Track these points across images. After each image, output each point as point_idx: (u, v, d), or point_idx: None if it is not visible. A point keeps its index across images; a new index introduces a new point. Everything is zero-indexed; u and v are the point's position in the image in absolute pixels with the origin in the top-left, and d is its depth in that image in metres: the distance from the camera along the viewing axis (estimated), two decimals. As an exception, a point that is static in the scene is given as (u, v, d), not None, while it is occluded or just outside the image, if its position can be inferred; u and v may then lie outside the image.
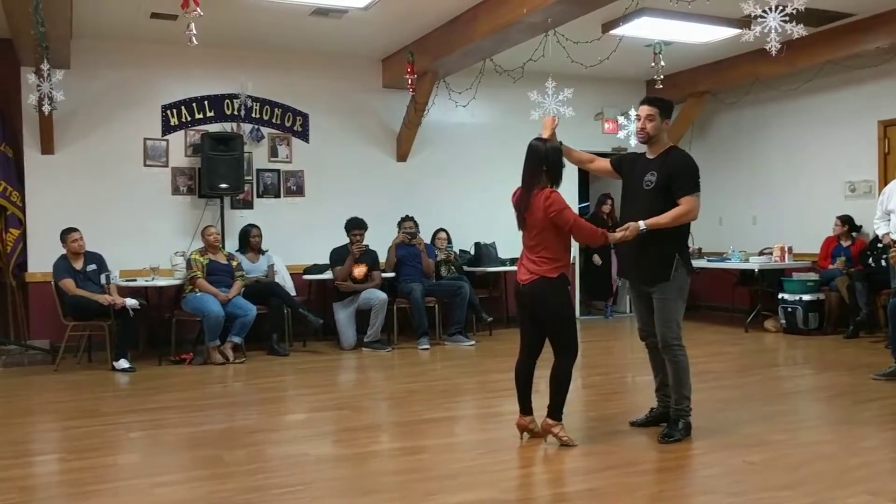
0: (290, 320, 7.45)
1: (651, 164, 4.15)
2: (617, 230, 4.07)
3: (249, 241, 7.50)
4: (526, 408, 4.12)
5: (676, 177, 4.03)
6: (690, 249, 4.44)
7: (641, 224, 3.98)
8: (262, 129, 8.06)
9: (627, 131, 7.93)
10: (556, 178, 4.02)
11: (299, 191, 8.27)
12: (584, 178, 10.11)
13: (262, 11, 6.63)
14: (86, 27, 6.93)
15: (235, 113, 7.95)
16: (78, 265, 6.61)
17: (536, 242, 3.99)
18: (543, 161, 3.98)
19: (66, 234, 6.62)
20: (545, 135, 4.14)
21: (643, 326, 4.31)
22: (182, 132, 7.80)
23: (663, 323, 4.09)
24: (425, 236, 8.08)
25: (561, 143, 4.20)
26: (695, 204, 4.01)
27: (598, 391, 5.51)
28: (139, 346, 7.04)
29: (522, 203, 4.01)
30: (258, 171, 8.08)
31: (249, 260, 7.44)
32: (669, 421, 4.15)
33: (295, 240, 8.06)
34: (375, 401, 5.55)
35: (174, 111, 7.76)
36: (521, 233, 4.09)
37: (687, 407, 4.12)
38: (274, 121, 8.14)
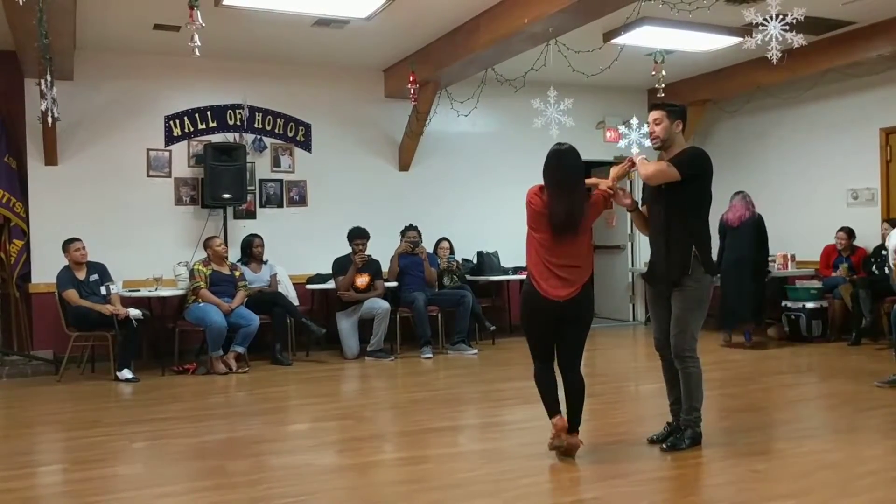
0: (293, 330, 7.45)
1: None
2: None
3: (252, 251, 7.50)
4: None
5: (679, 158, 4.01)
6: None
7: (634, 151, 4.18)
8: (264, 139, 8.08)
9: (629, 140, 7.91)
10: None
11: (302, 201, 8.28)
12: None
13: (265, 22, 6.65)
14: (89, 39, 6.95)
15: (238, 123, 7.97)
16: (81, 275, 6.62)
17: None
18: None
19: (68, 244, 6.62)
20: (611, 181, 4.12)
21: (660, 336, 4.20)
22: (185, 142, 7.82)
23: (678, 332, 4.02)
24: (427, 245, 8.08)
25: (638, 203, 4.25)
26: (665, 168, 3.96)
27: (603, 400, 5.49)
28: (142, 357, 7.04)
29: None
30: (261, 181, 8.09)
31: (252, 270, 7.44)
32: (677, 429, 4.12)
33: (297, 249, 8.05)
34: (379, 410, 5.54)
35: (177, 122, 7.79)
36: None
37: (696, 417, 4.08)
38: (276, 131, 8.16)
